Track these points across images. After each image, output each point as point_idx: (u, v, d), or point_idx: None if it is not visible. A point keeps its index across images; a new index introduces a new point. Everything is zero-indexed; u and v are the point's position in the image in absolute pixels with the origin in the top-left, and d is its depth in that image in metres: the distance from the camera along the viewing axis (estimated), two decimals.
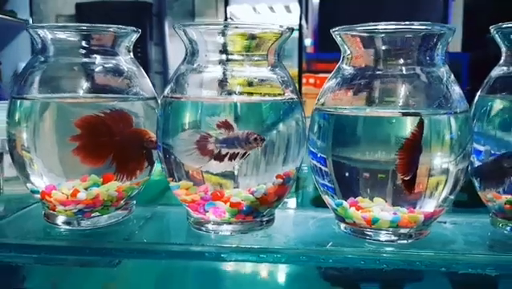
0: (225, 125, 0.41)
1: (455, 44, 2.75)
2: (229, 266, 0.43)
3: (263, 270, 0.43)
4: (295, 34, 2.74)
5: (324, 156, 0.43)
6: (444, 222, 0.49)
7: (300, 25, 2.68)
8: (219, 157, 0.42)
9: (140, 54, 2.59)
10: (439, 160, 0.41)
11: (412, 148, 0.40)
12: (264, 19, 2.91)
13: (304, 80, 2.70)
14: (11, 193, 0.55)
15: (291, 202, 0.62)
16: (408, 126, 0.40)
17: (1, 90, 2.27)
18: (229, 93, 0.43)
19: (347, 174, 0.42)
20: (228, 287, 0.44)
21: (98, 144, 0.45)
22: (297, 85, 2.60)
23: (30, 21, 2.61)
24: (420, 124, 0.40)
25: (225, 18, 2.77)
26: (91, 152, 0.44)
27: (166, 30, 2.92)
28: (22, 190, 0.52)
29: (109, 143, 0.45)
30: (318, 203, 0.60)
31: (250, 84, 0.44)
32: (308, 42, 3.05)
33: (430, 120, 0.41)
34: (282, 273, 0.44)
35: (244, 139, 0.41)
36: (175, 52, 2.86)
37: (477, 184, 0.47)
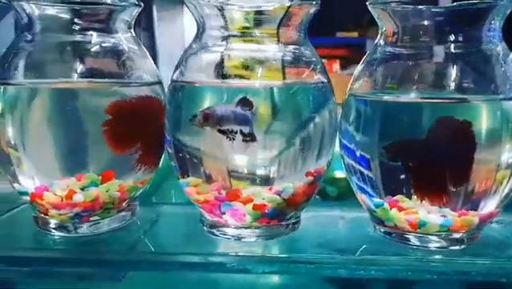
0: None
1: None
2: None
3: None
4: None
5: (365, 152, 0.37)
6: (491, 222, 0.43)
7: None
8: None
9: None
10: (500, 154, 0.35)
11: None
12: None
13: None
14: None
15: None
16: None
17: None
18: (250, 76, 0.37)
19: (395, 172, 0.36)
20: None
21: (127, 130, 0.39)
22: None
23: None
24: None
25: None
26: (121, 138, 0.39)
27: (154, 14, 2.83)
28: (8, 187, 0.46)
29: (138, 130, 0.40)
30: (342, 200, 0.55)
31: (273, 67, 0.38)
32: None
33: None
34: None
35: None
36: (163, 37, 2.79)
37: None
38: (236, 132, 0.35)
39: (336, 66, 2.40)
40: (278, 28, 0.38)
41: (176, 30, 3.07)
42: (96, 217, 0.40)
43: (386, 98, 0.38)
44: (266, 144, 0.36)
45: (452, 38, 0.36)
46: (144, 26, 2.91)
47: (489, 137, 0.35)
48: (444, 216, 0.36)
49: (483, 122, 0.35)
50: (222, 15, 0.38)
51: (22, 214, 0.45)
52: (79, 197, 0.38)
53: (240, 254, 0.36)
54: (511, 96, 0.36)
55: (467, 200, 0.36)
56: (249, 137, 0.35)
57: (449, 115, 0.35)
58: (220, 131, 0.35)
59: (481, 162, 0.35)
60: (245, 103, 0.35)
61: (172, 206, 0.49)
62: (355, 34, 2.51)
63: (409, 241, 0.38)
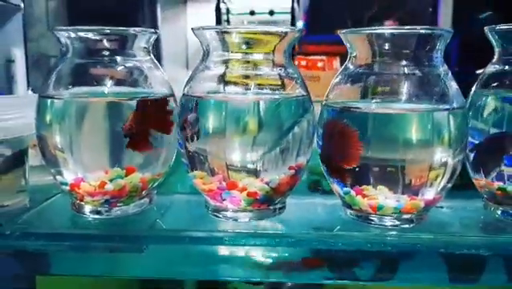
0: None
1: (445, 26, 2.78)
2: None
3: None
4: (288, 16, 2.76)
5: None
6: (442, 207, 0.53)
7: (292, 7, 2.70)
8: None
9: None
10: (439, 154, 0.45)
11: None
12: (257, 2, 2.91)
13: (296, 62, 2.73)
14: (35, 183, 0.58)
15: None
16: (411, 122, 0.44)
17: None
18: (247, 92, 0.47)
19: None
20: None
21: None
22: None
23: (22, 5, 2.60)
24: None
25: (218, 2, 2.78)
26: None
27: (158, 13, 2.91)
28: (46, 180, 0.56)
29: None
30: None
31: (262, 83, 0.48)
32: (300, 24, 3.07)
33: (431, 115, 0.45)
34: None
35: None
36: (168, 37, 2.87)
37: (470, 171, 0.52)
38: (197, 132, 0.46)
39: (336, 63, 2.48)
40: (273, 51, 0.48)
41: (179, 30, 3.16)
42: (122, 204, 0.50)
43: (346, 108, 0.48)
44: (257, 145, 0.46)
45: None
46: (149, 26, 3.00)
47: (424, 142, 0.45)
48: (398, 201, 0.46)
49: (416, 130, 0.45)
50: (223, 41, 0.47)
51: (60, 202, 0.55)
52: (109, 187, 0.48)
53: (236, 230, 0.46)
54: (453, 107, 0.46)
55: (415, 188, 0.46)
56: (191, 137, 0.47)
57: (399, 122, 0.45)
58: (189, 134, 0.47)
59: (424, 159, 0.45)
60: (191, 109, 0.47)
61: (183, 195, 0.59)
62: None
63: (371, 221, 0.48)
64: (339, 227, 0.48)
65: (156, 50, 2.93)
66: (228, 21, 2.86)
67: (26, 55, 2.61)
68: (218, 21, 2.80)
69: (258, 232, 0.46)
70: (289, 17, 2.76)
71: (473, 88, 0.52)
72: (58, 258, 0.47)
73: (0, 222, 0.48)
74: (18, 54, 2.58)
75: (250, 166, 0.47)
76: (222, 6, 2.86)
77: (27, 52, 2.61)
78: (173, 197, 0.57)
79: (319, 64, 2.56)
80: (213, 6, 2.86)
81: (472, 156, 0.51)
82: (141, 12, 2.74)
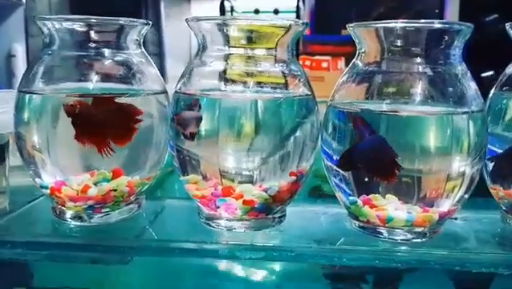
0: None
1: None
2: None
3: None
4: (293, 15, 2.72)
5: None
6: (456, 218, 0.49)
7: (298, 6, 2.66)
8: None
9: None
10: (456, 163, 0.40)
11: None
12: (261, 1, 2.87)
13: (300, 62, 2.68)
14: (17, 184, 0.54)
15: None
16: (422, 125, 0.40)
17: None
18: (245, 89, 0.43)
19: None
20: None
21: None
22: None
23: (24, 0, 2.56)
24: None
25: (222, 0, 2.74)
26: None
27: (162, 10, 2.88)
28: (28, 181, 0.52)
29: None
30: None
31: (262, 81, 0.44)
32: None
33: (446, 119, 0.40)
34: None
35: None
36: (171, 33, 2.83)
37: (488, 179, 0.47)
38: (195, 133, 0.42)
39: (341, 63, 2.44)
40: (276, 46, 0.43)
41: (182, 27, 3.13)
42: (107, 209, 0.46)
43: (355, 109, 0.43)
44: (254, 149, 0.42)
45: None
46: (152, 23, 2.96)
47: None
48: (410, 212, 0.42)
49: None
50: (220, 34, 0.43)
51: (41, 205, 0.51)
52: (93, 191, 0.44)
53: (230, 242, 0.42)
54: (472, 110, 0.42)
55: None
56: (191, 137, 0.42)
57: (413, 126, 0.41)
58: (182, 135, 0.43)
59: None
60: (190, 107, 0.42)
61: (175, 200, 0.54)
62: None
63: (380, 234, 0.44)
64: (342, 240, 0.44)
65: (159, 47, 2.90)
66: None
67: (28, 50, 2.58)
68: None
69: (255, 244, 0.42)
70: (294, 16, 2.72)
71: (492, 90, 0.48)
72: (36, 269, 0.43)
73: None
74: (20, 49, 2.55)
75: (247, 172, 0.42)
76: (226, 4, 2.82)
77: (28, 47, 2.58)
78: (165, 203, 0.53)
79: (324, 64, 2.53)
80: (218, 3, 2.82)
81: (490, 164, 0.46)
82: (145, 9, 2.71)
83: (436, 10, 2.65)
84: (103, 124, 0.43)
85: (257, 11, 2.83)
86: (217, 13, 2.82)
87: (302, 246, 0.42)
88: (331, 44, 2.48)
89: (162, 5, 2.88)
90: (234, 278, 0.45)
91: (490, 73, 1.90)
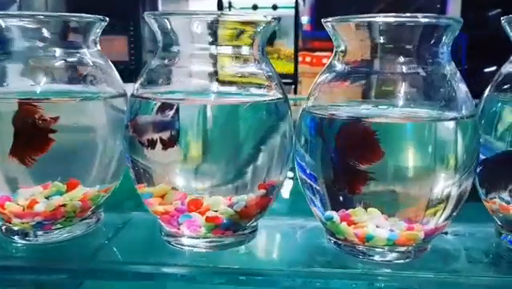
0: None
1: None
2: None
3: None
4: (292, 11, 2.67)
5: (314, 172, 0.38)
6: (446, 233, 0.44)
7: (296, 2, 2.60)
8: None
9: (132, 31, 2.51)
10: (443, 176, 0.36)
11: None
12: None
13: (300, 59, 2.65)
14: None
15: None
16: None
17: None
18: (208, 92, 0.38)
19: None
20: None
21: None
22: (293, 63, 2.54)
23: None
24: None
25: None
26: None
27: (159, 6, 2.83)
28: None
29: None
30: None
31: (233, 82, 0.39)
32: (305, 19, 2.98)
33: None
34: None
35: None
36: None
37: (482, 193, 0.43)
38: (156, 141, 0.36)
39: None
40: (243, 43, 0.39)
41: None
42: (59, 226, 0.42)
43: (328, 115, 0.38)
44: (214, 159, 0.37)
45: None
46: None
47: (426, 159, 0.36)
48: (392, 230, 0.37)
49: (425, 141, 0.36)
50: (184, 30, 0.39)
51: None
52: (40, 207, 0.40)
53: (191, 264, 0.38)
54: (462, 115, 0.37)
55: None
56: (169, 143, 0.36)
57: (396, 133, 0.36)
58: (140, 142, 0.37)
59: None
60: (164, 109, 0.36)
61: (142, 213, 0.50)
62: None
63: (359, 253, 0.39)
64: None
65: (156, 43, 2.85)
66: None
67: None
68: None
69: (219, 267, 0.38)
70: (293, 11, 2.66)
71: (486, 92, 0.43)
72: None
73: None
74: None
75: (207, 185, 0.38)
76: (224, 0, 2.77)
77: None
78: (130, 216, 0.48)
79: (324, 61, 2.49)
80: (215, 0, 2.77)
81: (482, 175, 0.41)
82: (142, 7, 2.66)
83: (438, 6, 2.60)
84: (20, 132, 0.38)
85: (255, 7, 2.78)
86: (215, 9, 2.77)
87: (271, 268, 0.38)
88: (331, 40, 2.43)
89: (160, 2, 2.83)
90: None
91: (493, 68, 1.86)
